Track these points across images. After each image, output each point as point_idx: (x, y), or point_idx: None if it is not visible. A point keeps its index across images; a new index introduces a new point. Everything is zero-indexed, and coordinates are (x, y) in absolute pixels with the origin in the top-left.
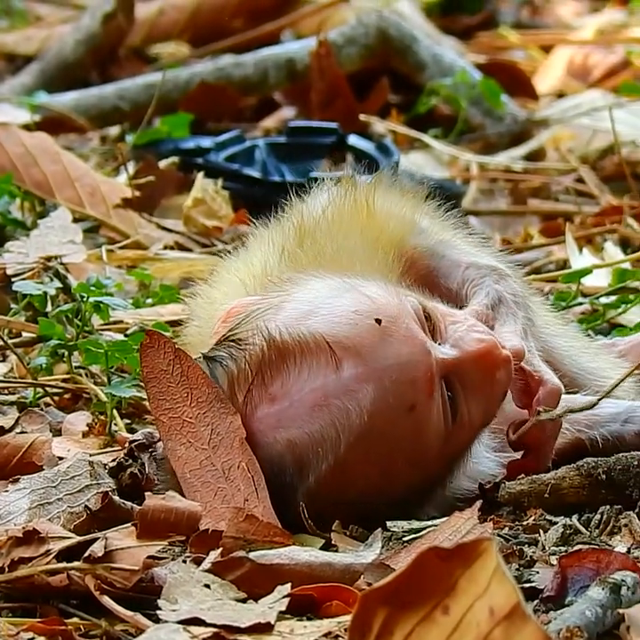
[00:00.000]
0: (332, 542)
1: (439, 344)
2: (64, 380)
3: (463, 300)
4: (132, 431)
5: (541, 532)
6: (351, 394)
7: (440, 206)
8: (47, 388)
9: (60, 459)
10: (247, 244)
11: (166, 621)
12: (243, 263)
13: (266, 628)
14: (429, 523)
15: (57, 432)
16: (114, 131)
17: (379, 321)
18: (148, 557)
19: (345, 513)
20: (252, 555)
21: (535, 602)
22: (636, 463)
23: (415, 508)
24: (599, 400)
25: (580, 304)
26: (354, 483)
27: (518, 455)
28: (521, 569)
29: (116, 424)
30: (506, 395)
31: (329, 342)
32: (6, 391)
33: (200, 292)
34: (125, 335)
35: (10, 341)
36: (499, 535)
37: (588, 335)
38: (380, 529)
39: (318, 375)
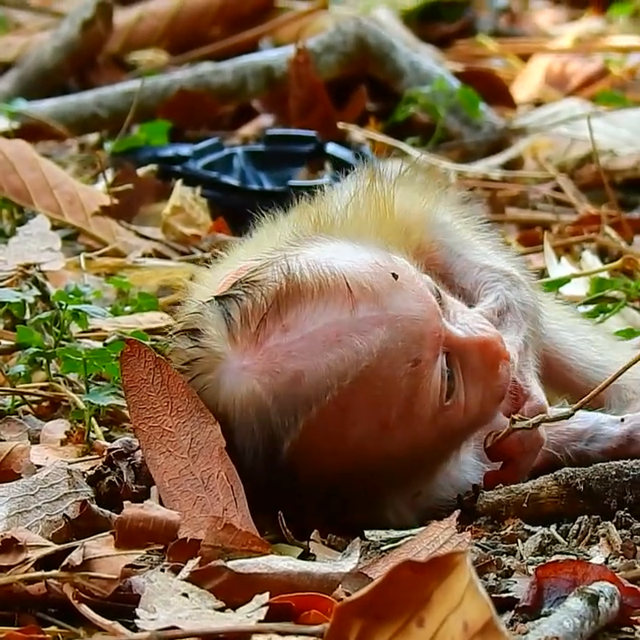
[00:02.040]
0: (311, 551)
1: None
2: (42, 388)
3: (475, 301)
4: (109, 439)
5: (519, 541)
6: (363, 334)
7: (463, 203)
8: (25, 396)
9: (39, 467)
10: (256, 233)
11: (144, 630)
12: (252, 250)
13: (244, 637)
14: (407, 532)
15: (35, 440)
16: (92, 138)
17: (396, 276)
18: (127, 566)
19: (342, 469)
20: (230, 564)
21: (512, 612)
22: (613, 473)
23: (404, 495)
24: (574, 412)
25: None
26: (353, 423)
27: (495, 465)
28: (499, 579)
29: (94, 432)
30: (505, 393)
31: (348, 283)
32: None
33: (201, 278)
34: (104, 343)
35: None
36: (477, 545)
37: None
38: (358, 538)
39: (333, 312)
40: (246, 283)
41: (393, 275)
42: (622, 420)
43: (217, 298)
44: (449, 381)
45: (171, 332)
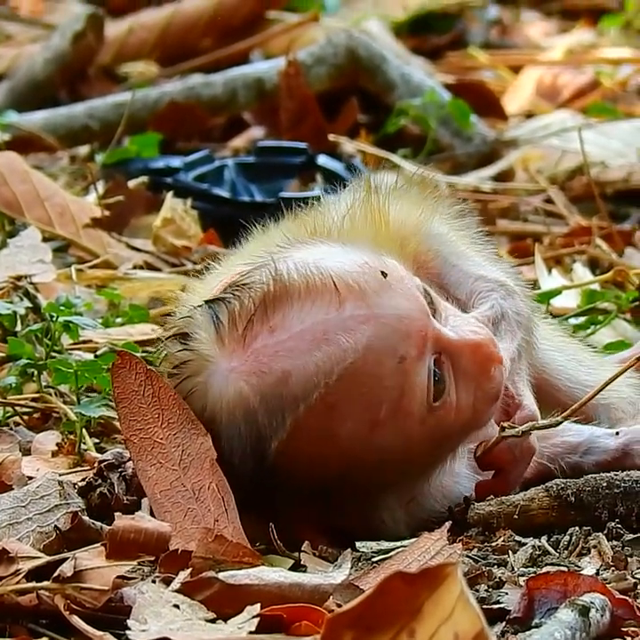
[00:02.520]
0: (302, 563)
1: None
2: (33, 400)
3: (470, 311)
4: (100, 451)
5: (510, 553)
6: (350, 332)
7: (461, 214)
8: (17, 408)
9: (30, 478)
10: (248, 244)
11: None
12: (244, 259)
13: None
14: (398, 543)
15: (26, 451)
16: (83, 150)
17: (385, 274)
18: (118, 577)
19: (331, 470)
20: (221, 575)
21: (503, 623)
22: (604, 485)
23: (398, 500)
24: (563, 420)
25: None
26: (341, 422)
27: (489, 476)
28: (490, 590)
29: (85, 443)
30: (498, 395)
31: (335, 282)
32: None
33: (191, 288)
34: (95, 355)
35: None
36: (468, 556)
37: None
38: (349, 549)
39: (320, 311)
40: (236, 286)
41: (382, 273)
42: (617, 433)
43: (207, 302)
44: (438, 383)
45: (163, 337)
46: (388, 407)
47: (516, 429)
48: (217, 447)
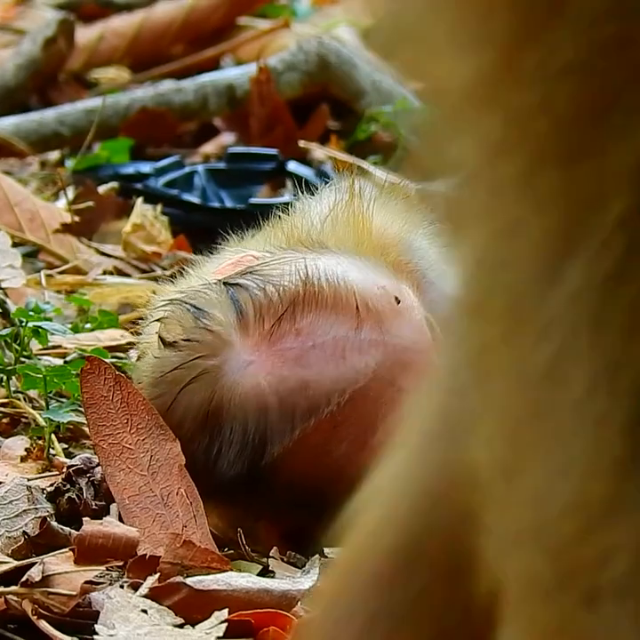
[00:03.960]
0: (270, 568)
1: None
2: (2, 405)
3: None
4: (69, 456)
5: None
6: (363, 354)
7: (442, 231)
8: None
9: None
10: (222, 250)
11: None
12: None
13: None
14: None
15: None
16: (54, 156)
17: (398, 301)
18: (86, 582)
19: (316, 483)
20: (189, 580)
21: None
22: None
23: None
24: None
25: None
26: (340, 441)
27: None
28: None
29: (53, 449)
30: None
31: (357, 301)
32: None
33: (162, 290)
34: (64, 360)
35: None
36: None
37: None
38: (317, 555)
39: (342, 327)
40: (257, 275)
41: (396, 299)
42: None
43: (224, 283)
44: None
45: (164, 299)
46: (380, 433)
47: None
48: (214, 434)
